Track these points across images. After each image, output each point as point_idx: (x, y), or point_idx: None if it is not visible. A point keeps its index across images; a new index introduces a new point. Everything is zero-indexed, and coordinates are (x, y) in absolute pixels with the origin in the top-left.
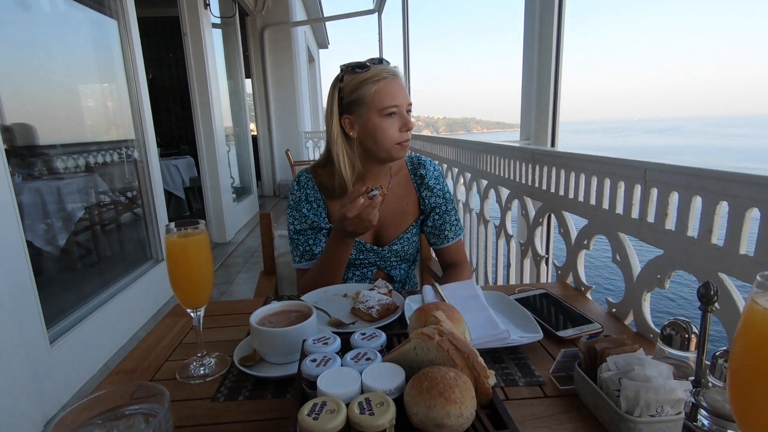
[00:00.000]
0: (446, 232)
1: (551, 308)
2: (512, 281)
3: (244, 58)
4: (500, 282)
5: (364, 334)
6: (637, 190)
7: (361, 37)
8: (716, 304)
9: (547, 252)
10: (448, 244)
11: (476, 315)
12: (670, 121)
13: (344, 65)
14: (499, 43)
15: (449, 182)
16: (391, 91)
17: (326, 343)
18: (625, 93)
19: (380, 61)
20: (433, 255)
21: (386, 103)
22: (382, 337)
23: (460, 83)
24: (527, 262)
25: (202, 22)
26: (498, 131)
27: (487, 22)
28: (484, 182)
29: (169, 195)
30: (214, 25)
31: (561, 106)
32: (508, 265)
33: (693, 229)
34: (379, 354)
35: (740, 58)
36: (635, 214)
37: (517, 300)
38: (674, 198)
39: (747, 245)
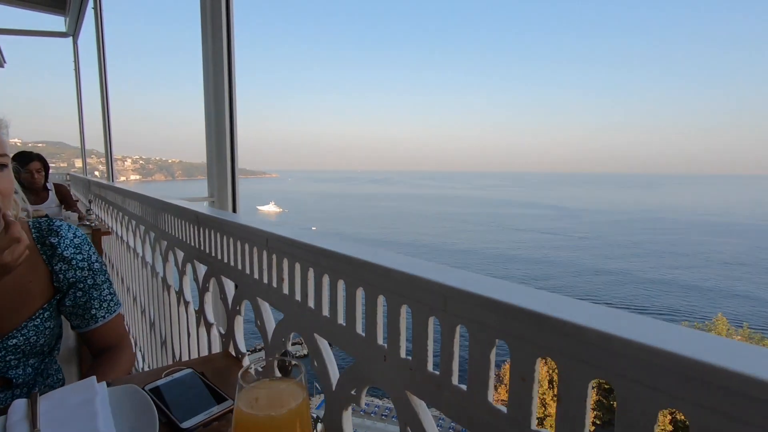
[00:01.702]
0: (93, 311)
1: (191, 391)
2: (193, 353)
3: None
4: (184, 356)
5: None
6: (264, 255)
7: (54, 61)
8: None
9: (217, 319)
10: (97, 325)
11: (78, 428)
12: (383, 173)
13: None
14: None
15: (136, 241)
16: None
17: None
18: (352, 148)
19: None
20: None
21: None
22: None
23: (200, 123)
24: (202, 331)
25: None
26: (240, 177)
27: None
28: (164, 243)
29: None
30: None
31: (239, 162)
32: (188, 335)
33: (298, 293)
34: None
35: (426, 125)
36: (266, 279)
37: (159, 386)
38: (285, 264)
39: (328, 307)
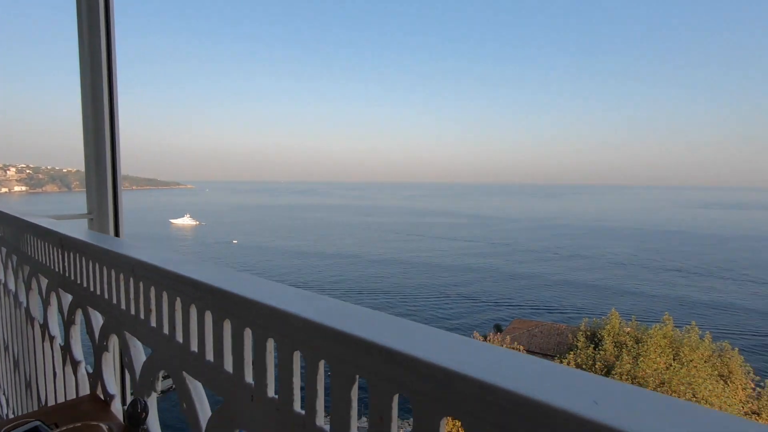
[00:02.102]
0: None
1: None
2: (59, 396)
3: None
4: (50, 399)
5: None
6: (131, 283)
7: None
8: (147, 423)
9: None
10: None
11: None
12: (308, 184)
13: None
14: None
15: None
16: None
17: None
18: (275, 158)
19: None
20: None
21: None
22: None
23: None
24: (69, 370)
25: None
26: (150, 188)
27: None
28: (27, 269)
29: None
30: None
31: (121, 174)
32: (54, 375)
33: (166, 325)
34: None
35: (350, 137)
36: (133, 309)
37: None
38: (153, 293)
39: (196, 342)
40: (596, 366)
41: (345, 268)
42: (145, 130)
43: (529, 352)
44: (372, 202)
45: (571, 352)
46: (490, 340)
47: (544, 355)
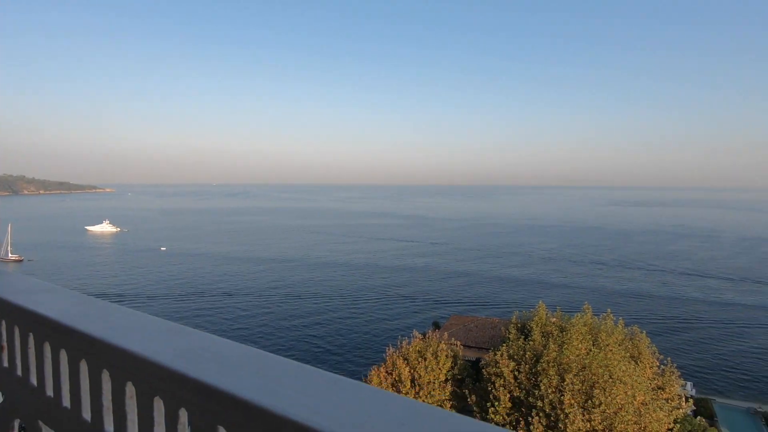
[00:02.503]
0: None
1: None
2: None
3: None
4: None
5: None
6: None
7: None
8: None
9: None
10: None
11: None
12: (241, 186)
13: None
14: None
15: None
16: None
17: None
18: (205, 161)
19: None
20: None
21: None
22: None
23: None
24: None
25: None
26: (61, 193)
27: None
28: None
29: None
30: None
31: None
32: None
33: (19, 367)
34: None
35: (286, 138)
36: None
37: None
38: (3, 328)
39: (52, 386)
40: (527, 356)
41: (283, 273)
42: (56, 129)
43: (465, 346)
44: (309, 204)
45: (504, 345)
46: (429, 337)
47: (480, 349)
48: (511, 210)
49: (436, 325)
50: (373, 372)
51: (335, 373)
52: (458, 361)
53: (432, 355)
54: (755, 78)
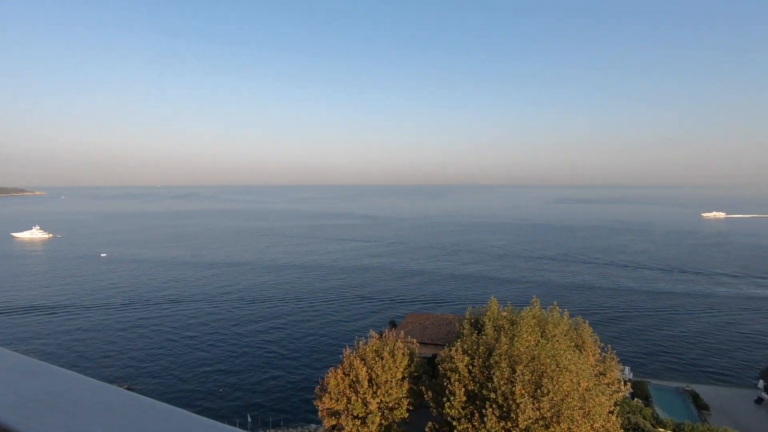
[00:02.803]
0: None
1: None
2: None
3: None
4: None
5: None
6: None
7: None
8: None
9: None
10: None
11: None
12: (190, 188)
13: None
14: None
15: None
16: None
17: None
18: (148, 162)
19: None
20: None
21: None
22: None
23: None
24: None
25: None
26: None
27: None
28: None
29: None
30: None
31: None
32: None
33: None
34: None
35: (236, 138)
36: None
37: None
38: None
39: None
40: (480, 350)
41: (235, 278)
42: None
43: (421, 344)
44: (263, 206)
45: (458, 340)
46: (385, 337)
47: (436, 345)
48: (464, 209)
49: (393, 324)
50: (330, 374)
51: (291, 377)
52: (415, 359)
53: (389, 353)
54: (682, 88)
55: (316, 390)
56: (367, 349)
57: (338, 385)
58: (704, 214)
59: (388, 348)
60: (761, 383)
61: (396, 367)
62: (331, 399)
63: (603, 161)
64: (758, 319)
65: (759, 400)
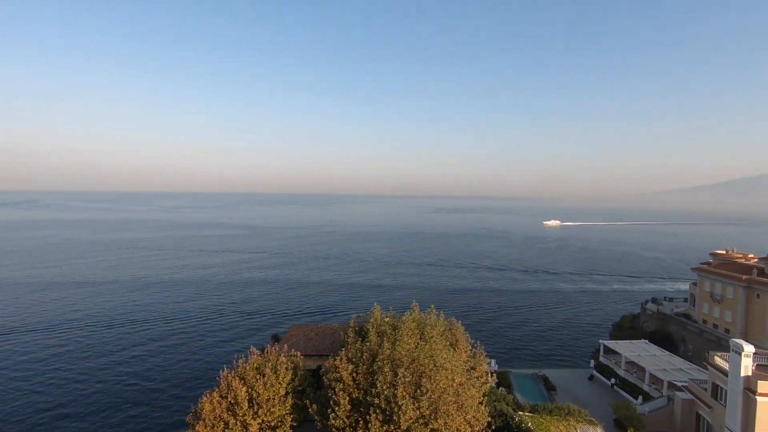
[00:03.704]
0: None
1: None
2: None
3: None
4: None
5: None
6: None
7: None
8: None
9: None
10: None
11: None
12: (26, 194)
13: None
14: None
15: None
16: None
17: None
18: None
19: None
20: None
21: None
22: None
23: None
24: None
25: None
26: None
27: None
28: None
29: None
30: None
31: None
32: None
33: None
34: None
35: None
36: None
37: None
38: None
39: None
40: (364, 357)
41: (88, 299)
42: None
43: (306, 356)
44: (123, 215)
45: (343, 349)
46: (267, 352)
47: (321, 356)
48: (349, 218)
49: (276, 339)
50: (205, 398)
51: (156, 413)
52: (299, 372)
53: (271, 369)
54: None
55: (188, 418)
56: (248, 367)
57: (214, 409)
58: (545, 222)
59: (270, 364)
60: (592, 363)
61: (279, 383)
62: (205, 426)
63: (471, 176)
64: (590, 311)
65: (591, 377)
